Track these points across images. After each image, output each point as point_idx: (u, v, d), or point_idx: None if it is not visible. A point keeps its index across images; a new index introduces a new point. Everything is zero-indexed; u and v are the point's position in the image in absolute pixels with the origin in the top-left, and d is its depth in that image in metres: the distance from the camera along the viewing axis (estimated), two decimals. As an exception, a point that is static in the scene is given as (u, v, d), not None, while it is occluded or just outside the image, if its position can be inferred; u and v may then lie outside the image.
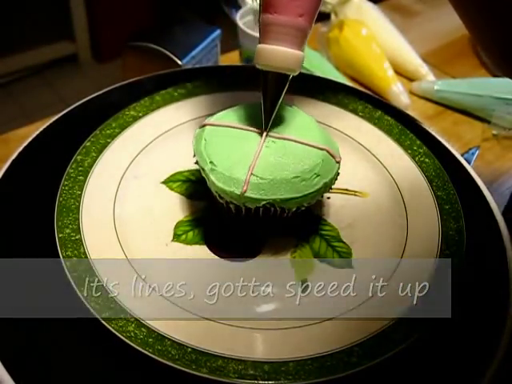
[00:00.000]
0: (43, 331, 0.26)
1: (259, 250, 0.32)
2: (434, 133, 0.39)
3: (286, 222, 0.31)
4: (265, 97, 0.29)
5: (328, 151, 0.30)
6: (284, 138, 0.30)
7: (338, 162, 0.31)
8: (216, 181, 0.29)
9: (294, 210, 0.29)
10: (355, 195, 0.35)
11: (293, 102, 0.38)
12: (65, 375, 0.25)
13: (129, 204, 0.33)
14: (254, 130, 0.30)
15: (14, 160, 0.34)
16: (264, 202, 0.28)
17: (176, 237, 0.32)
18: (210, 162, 0.29)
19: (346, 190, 0.35)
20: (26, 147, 0.35)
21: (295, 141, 0.30)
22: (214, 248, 0.31)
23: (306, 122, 0.32)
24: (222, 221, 0.33)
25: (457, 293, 0.29)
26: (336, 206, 0.34)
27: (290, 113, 0.32)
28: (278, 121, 0.31)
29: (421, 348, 0.26)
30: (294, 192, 0.28)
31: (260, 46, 0.28)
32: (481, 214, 0.33)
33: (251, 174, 0.28)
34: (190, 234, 0.32)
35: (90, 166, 0.34)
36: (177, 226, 0.33)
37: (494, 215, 0.33)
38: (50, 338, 0.26)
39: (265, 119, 0.30)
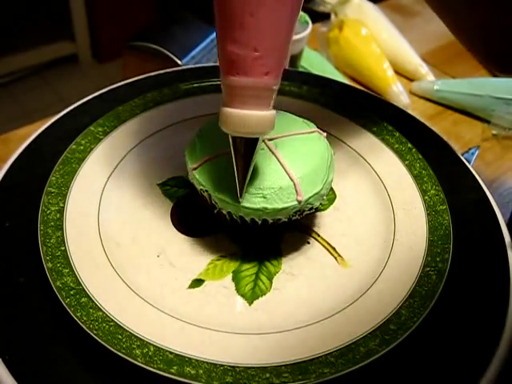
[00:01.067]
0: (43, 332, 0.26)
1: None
2: (435, 130, 0.39)
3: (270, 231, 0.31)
4: (236, 161, 0.27)
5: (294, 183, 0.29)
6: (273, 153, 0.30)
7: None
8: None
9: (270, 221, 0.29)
10: (336, 259, 0.33)
11: (294, 106, 0.38)
12: (65, 375, 0.25)
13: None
14: None
15: (14, 160, 0.34)
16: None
17: None
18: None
19: (333, 248, 0.33)
20: (26, 147, 0.35)
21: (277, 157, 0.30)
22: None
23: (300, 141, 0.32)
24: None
25: (457, 292, 0.29)
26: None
27: (287, 122, 0.32)
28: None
29: (421, 348, 0.27)
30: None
31: (226, 110, 0.25)
32: (482, 214, 0.33)
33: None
34: None
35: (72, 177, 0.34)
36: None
37: (496, 215, 0.33)
38: (50, 338, 0.26)
39: (239, 186, 0.27)
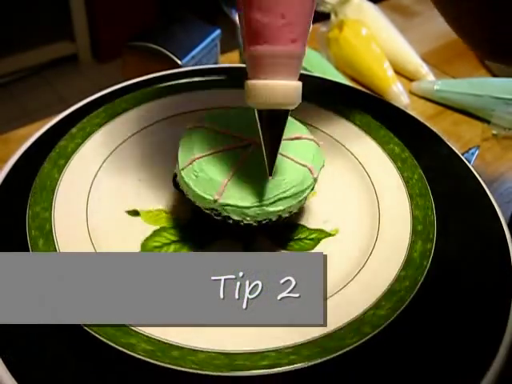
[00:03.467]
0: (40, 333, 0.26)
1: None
2: (435, 130, 0.39)
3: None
4: (265, 137, 0.26)
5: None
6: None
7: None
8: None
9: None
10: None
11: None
12: (65, 375, 0.25)
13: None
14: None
15: (16, 160, 0.34)
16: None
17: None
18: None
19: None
20: (28, 147, 0.35)
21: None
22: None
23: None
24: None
25: (457, 293, 0.29)
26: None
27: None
28: None
29: (420, 348, 0.27)
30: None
31: (252, 82, 0.24)
32: (482, 214, 0.33)
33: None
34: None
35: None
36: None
37: (497, 215, 0.33)
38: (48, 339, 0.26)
39: (268, 163, 0.27)
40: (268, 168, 0.27)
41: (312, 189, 0.30)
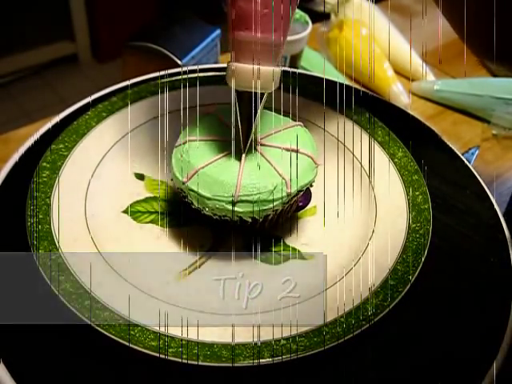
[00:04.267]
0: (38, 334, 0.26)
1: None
2: (435, 130, 0.39)
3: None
4: (241, 116, 0.27)
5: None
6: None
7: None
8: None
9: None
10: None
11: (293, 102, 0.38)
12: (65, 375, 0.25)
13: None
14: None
15: (16, 160, 0.34)
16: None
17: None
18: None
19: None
20: (28, 147, 0.35)
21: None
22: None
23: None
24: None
25: (457, 293, 0.29)
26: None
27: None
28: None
29: (421, 348, 0.27)
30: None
31: (233, 64, 0.26)
32: (483, 214, 0.33)
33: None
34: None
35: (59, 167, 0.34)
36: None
37: (498, 215, 0.33)
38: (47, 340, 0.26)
39: (243, 140, 0.28)
40: (243, 144, 0.28)
41: (286, 202, 0.29)
